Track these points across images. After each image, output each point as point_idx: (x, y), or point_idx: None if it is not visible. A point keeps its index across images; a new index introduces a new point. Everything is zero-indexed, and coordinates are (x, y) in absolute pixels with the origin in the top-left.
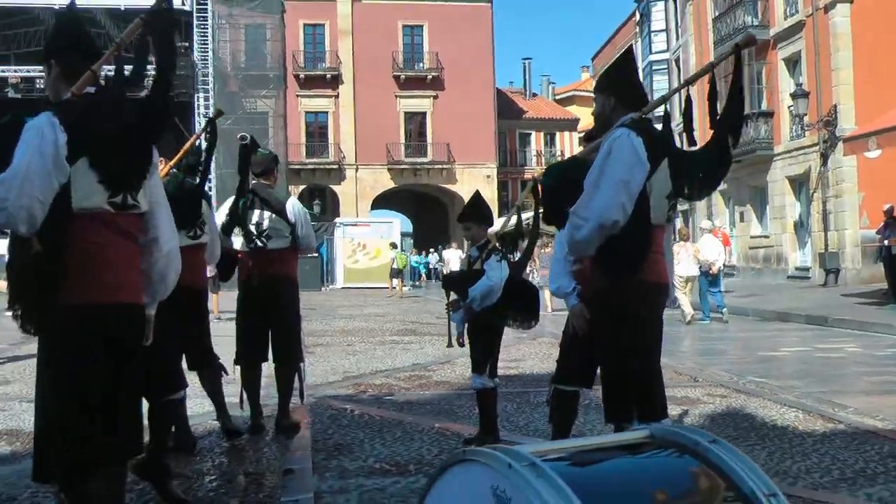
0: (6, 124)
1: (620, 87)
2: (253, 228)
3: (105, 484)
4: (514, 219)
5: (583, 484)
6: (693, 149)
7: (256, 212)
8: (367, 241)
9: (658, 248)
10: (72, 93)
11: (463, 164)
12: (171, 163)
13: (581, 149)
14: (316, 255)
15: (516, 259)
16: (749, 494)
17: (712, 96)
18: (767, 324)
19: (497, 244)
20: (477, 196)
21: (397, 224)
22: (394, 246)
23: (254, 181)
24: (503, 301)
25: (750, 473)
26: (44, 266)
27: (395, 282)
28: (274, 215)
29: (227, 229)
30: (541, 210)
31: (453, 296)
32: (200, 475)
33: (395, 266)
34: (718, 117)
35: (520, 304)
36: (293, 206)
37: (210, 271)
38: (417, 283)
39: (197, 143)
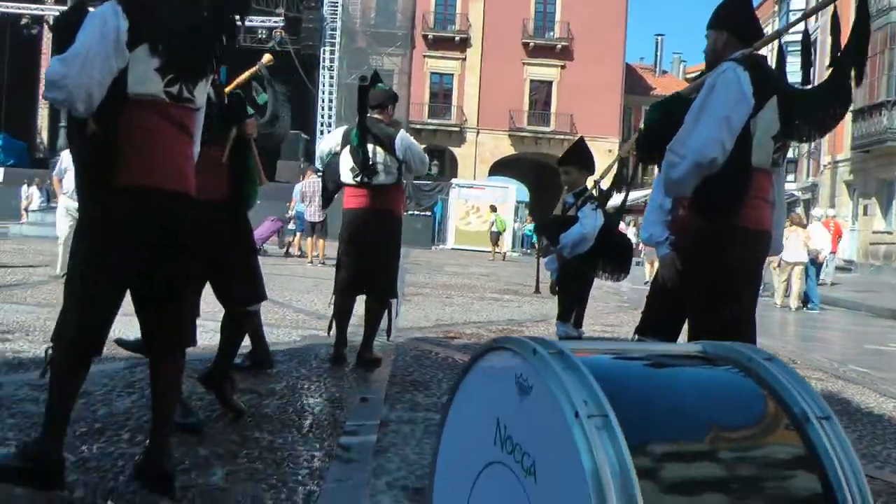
0: (71, 11)
1: (734, 21)
2: (359, 163)
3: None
4: (614, 168)
5: (614, 381)
6: (808, 87)
7: (368, 146)
8: (481, 204)
9: (761, 192)
10: None
11: (587, 137)
12: (238, 81)
13: None
14: (429, 213)
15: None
16: (799, 414)
17: (834, 29)
18: (880, 320)
19: (594, 192)
20: (581, 141)
21: (513, 190)
22: (493, 209)
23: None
24: (595, 251)
25: (804, 394)
26: (99, 146)
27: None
28: (381, 150)
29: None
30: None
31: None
32: (272, 394)
33: (494, 230)
34: (840, 51)
35: (612, 255)
36: (401, 140)
37: (319, 216)
38: (529, 250)
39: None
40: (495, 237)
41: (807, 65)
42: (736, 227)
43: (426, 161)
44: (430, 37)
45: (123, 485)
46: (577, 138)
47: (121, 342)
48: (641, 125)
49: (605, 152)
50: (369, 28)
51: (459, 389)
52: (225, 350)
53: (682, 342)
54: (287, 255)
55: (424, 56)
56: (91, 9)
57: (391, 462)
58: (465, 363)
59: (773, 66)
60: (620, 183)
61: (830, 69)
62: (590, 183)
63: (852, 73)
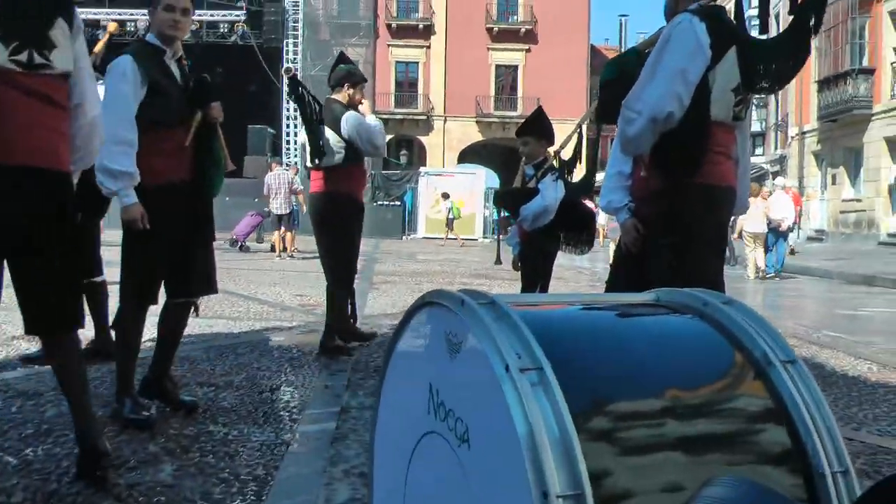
0: None
1: None
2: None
3: None
4: (574, 138)
5: (552, 333)
6: (766, 36)
7: (323, 128)
8: (450, 190)
9: (722, 147)
10: None
11: (554, 120)
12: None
13: None
14: (398, 203)
15: (575, 181)
16: (761, 359)
17: None
18: (852, 286)
19: (554, 163)
20: (539, 110)
21: (482, 176)
22: (446, 196)
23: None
24: (556, 223)
25: (766, 337)
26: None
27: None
28: (331, 131)
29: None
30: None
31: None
32: (229, 386)
33: (449, 216)
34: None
35: (574, 227)
36: (346, 120)
37: (286, 208)
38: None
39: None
40: (450, 223)
41: (765, 14)
42: (696, 185)
43: (376, 142)
44: (393, 26)
45: (66, 486)
46: (535, 109)
47: (27, 359)
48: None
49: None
50: (332, 19)
51: (391, 357)
52: (166, 345)
53: (634, 293)
54: (273, 250)
55: (388, 45)
56: None
57: (350, 449)
58: (396, 327)
59: (732, 17)
60: (580, 153)
61: (791, 18)
62: (551, 155)
63: (811, 23)
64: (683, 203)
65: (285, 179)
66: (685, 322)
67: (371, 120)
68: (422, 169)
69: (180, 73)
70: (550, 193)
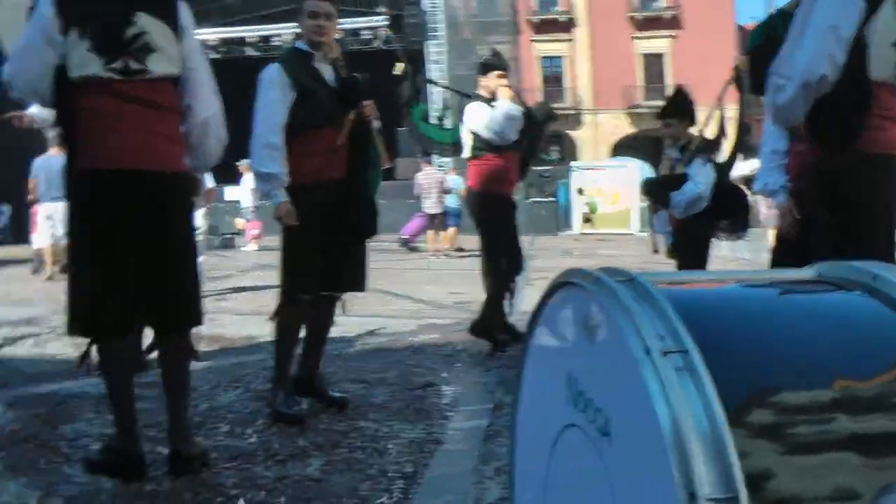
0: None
1: None
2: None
3: (110, 357)
4: (716, 116)
5: (700, 312)
6: None
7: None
8: (602, 185)
9: (886, 111)
10: None
11: (704, 106)
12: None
13: None
14: (553, 199)
15: (720, 162)
16: None
17: None
18: None
19: (699, 144)
20: (680, 89)
21: (634, 168)
22: (580, 191)
23: None
24: (709, 208)
25: None
26: (62, 135)
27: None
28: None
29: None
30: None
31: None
32: (381, 383)
33: (585, 210)
34: None
35: (727, 210)
36: (466, 111)
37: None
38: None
39: None
40: (589, 218)
41: None
42: (859, 154)
43: (494, 128)
44: (535, 20)
45: (212, 476)
46: (675, 88)
47: None
48: (739, 63)
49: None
50: (472, 17)
51: (529, 345)
52: (313, 341)
53: (792, 269)
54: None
55: (532, 41)
56: None
57: (502, 447)
58: (532, 312)
59: None
60: (724, 130)
61: None
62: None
63: None
64: (845, 175)
65: (436, 178)
66: (852, 299)
67: (502, 106)
68: (572, 164)
69: (335, 74)
70: (702, 178)
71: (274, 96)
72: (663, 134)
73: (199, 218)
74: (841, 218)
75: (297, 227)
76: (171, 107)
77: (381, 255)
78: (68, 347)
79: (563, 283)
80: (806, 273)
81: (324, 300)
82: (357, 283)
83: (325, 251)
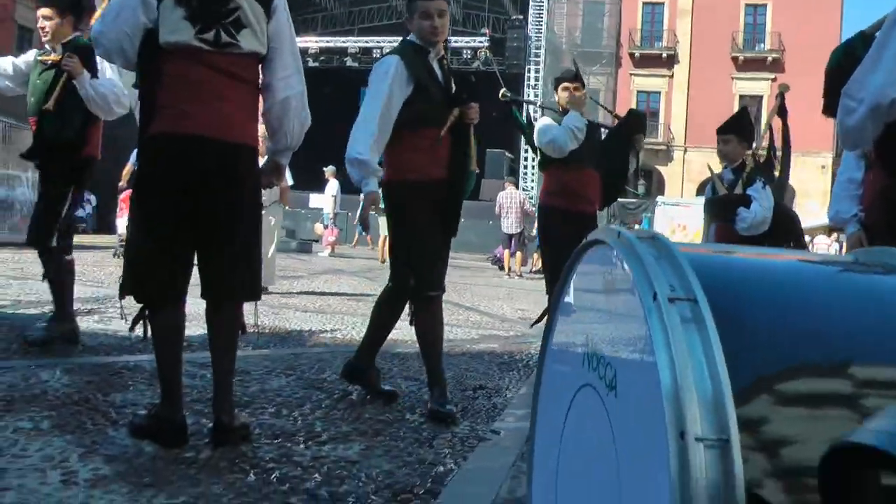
0: None
1: None
2: None
3: (159, 324)
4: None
5: (721, 275)
6: None
7: None
8: (687, 222)
9: None
10: None
11: (798, 153)
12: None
13: None
14: None
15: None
16: None
17: None
18: None
19: (754, 165)
20: (744, 110)
21: None
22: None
23: None
24: (771, 231)
25: None
26: (143, 98)
27: None
28: None
29: None
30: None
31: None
32: None
33: None
34: None
35: (780, 234)
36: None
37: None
38: None
39: None
40: None
41: None
42: None
43: (543, 142)
44: (636, 55)
45: (251, 451)
46: (740, 108)
47: (27, 338)
48: (781, 87)
49: (818, 168)
50: (575, 47)
51: (556, 309)
52: (371, 335)
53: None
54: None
55: (631, 74)
56: None
57: None
58: (561, 276)
59: None
60: (774, 154)
61: None
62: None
63: None
64: None
65: (517, 199)
66: (883, 279)
67: (567, 119)
68: (658, 198)
69: (441, 72)
70: (766, 201)
71: (389, 87)
72: (720, 151)
73: (278, 213)
74: None
75: (415, 225)
76: (253, 82)
77: (460, 272)
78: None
79: (592, 243)
80: (843, 257)
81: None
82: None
83: (427, 249)
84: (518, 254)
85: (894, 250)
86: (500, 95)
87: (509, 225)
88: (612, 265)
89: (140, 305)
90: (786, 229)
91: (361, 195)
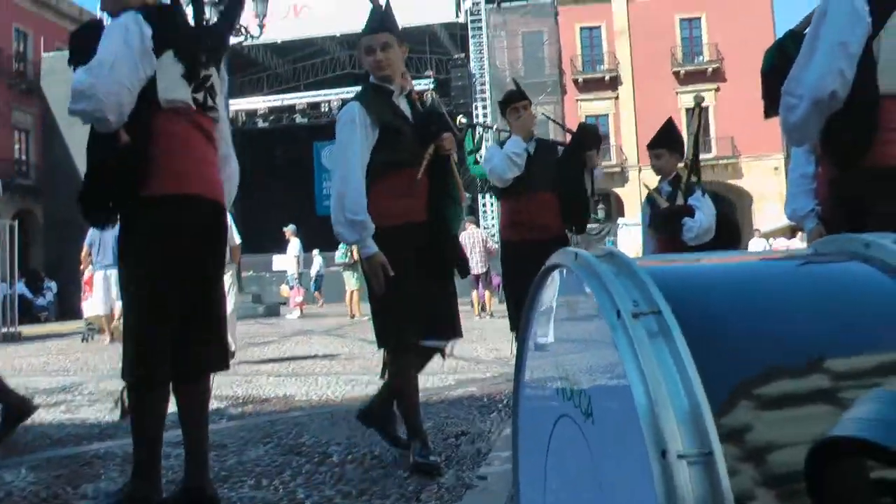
0: (87, 25)
1: None
2: None
3: (153, 401)
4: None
5: (681, 285)
6: None
7: None
8: None
9: None
10: None
11: (749, 158)
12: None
13: None
14: None
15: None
16: None
17: None
18: None
19: (690, 177)
20: (670, 122)
21: None
22: None
23: None
24: (714, 240)
25: None
26: (130, 158)
27: None
28: None
29: None
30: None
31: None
32: None
33: None
34: None
35: (720, 241)
36: None
37: (481, 267)
38: None
39: None
40: None
41: None
42: (871, 169)
43: (486, 170)
44: (580, 80)
45: None
46: (665, 121)
47: None
48: (696, 97)
49: (771, 170)
50: (519, 79)
51: (524, 344)
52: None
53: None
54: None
55: (577, 100)
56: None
57: None
58: (525, 306)
59: None
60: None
61: None
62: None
63: None
64: (856, 192)
65: (478, 238)
66: (844, 268)
67: (507, 145)
68: (619, 220)
69: (410, 108)
70: (708, 209)
71: (355, 137)
72: (654, 165)
73: (230, 271)
74: (857, 227)
75: (391, 275)
76: (217, 146)
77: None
78: (100, 412)
79: (550, 268)
80: (802, 250)
81: (426, 352)
82: (454, 329)
83: (419, 298)
84: (487, 293)
85: (851, 236)
86: (457, 122)
87: (474, 265)
88: (573, 289)
89: (123, 386)
90: (728, 236)
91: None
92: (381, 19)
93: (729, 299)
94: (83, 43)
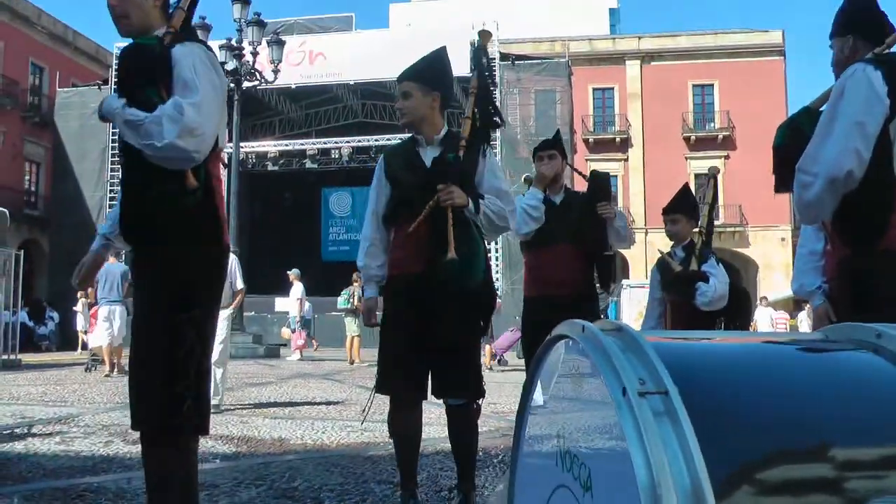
0: (143, 48)
1: (858, 21)
2: None
3: (178, 453)
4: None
5: (690, 364)
6: None
7: None
8: None
9: None
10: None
11: (756, 227)
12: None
13: None
14: (603, 317)
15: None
16: None
17: None
18: None
19: (702, 242)
20: (686, 187)
21: None
22: None
23: None
24: (726, 308)
25: None
26: (194, 204)
27: None
28: None
29: None
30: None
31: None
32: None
33: None
34: None
35: (730, 309)
36: None
37: None
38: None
39: None
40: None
41: None
42: (883, 252)
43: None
44: (590, 140)
45: None
46: (682, 187)
47: None
48: (712, 168)
49: (778, 241)
50: (529, 137)
51: (525, 405)
52: (461, 454)
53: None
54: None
55: (587, 160)
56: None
57: None
58: (528, 371)
59: None
60: (711, 230)
61: None
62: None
63: None
64: (875, 276)
65: None
66: (853, 357)
67: (525, 197)
68: (624, 282)
69: (439, 157)
70: (723, 277)
71: (373, 185)
72: (669, 231)
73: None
74: (874, 319)
75: (382, 324)
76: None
77: None
78: (94, 445)
79: (557, 337)
80: (812, 335)
81: (449, 408)
82: (465, 387)
83: (424, 352)
84: (487, 347)
85: (863, 325)
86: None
87: None
88: (579, 361)
89: None
90: (738, 304)
91: None
92: (408, 69)
93: (736, 382)
94: (145, 65)
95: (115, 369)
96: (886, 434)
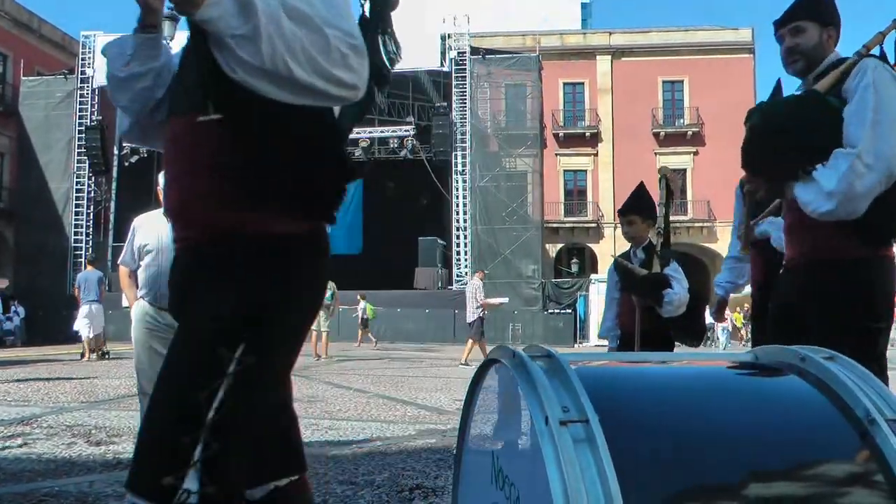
0: None
1: (837, 18)
2: None
3: None
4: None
5: (614, 389)
6: None
7: None
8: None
9: None
10: None
11: (725, 223)
12: None
13: None
14: (570, 311)
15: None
16: (863, 418)
17: None
18: None
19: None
20: (641, 186)
21: None
22: (363, 297)
23: None
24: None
25: (870, 393)
26: None
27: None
28: None
29: None
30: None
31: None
32: (370, 485)
33: (364, 316)
34: None
35: (686, 316)
36: None
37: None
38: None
39: None
40: (364, 323)
41: None
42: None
43: None
44: (560, 135)
45: None
46: (637, 185)
47: None
48: (663, 169)
49: None
50: (500, 131)
51: (465, 426)
52: None
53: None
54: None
55: (556, 154)
56: None
57: None
58: (467, 393)
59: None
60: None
61: None
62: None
63: None
64: (879, 277)
65: (473, 286)
66: (779, 381)
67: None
68: (592, 276)
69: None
70: (684, 282)
71: None
72: (626, 232)
73: None
74: (885, 324)
75: None
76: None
77: (397, 364)
78: (57, 447)
79: (491, 362)
80: (742, 356)
81: None
82: None
83: None
84: (469, 341)
85: (789, 349)
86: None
87: (469, 313)
88: (509, 385)
89: None
90: (691, 313)
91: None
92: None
93: (660, 408)
94: None
95: (95, 354)
96: (809, 462)
